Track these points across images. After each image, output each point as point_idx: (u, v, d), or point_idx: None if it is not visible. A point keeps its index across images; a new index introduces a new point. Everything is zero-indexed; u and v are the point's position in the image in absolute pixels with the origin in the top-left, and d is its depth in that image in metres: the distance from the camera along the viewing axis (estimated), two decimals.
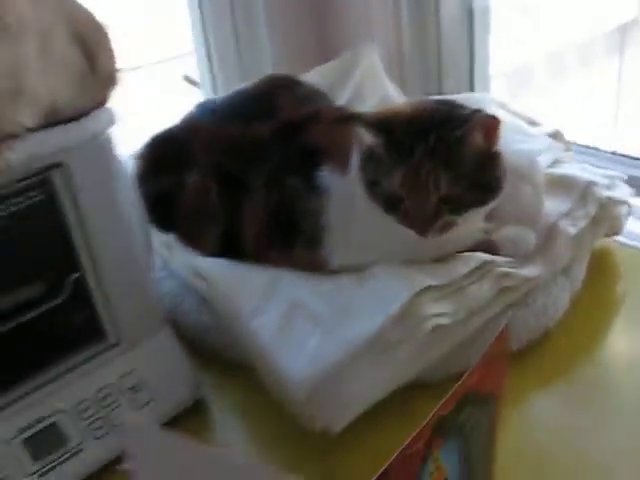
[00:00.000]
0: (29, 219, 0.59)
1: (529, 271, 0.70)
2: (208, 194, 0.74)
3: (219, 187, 0.74)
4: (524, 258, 0.71)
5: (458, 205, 0.66)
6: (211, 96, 1.13)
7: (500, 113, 0.80)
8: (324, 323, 0.64)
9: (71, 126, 0.57)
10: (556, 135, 0.88)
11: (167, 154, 0.71)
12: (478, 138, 0.65)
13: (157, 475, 0.50)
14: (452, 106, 0.69)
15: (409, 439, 0.42)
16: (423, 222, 0.65)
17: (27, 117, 0.54)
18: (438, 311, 0.65)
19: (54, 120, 0.56)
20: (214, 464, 0.48)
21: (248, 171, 0.73)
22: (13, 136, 0.54)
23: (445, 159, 0.64)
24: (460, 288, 0.67)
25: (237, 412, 0.72)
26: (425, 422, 0.43)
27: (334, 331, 0.63)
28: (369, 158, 0.67)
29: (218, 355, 0.75)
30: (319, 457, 0.64)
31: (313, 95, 0.81)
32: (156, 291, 0.71)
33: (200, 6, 1.10)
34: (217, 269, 0.72)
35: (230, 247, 0.74)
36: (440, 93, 1.10)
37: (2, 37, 0.50)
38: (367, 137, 0.67)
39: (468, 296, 0.67)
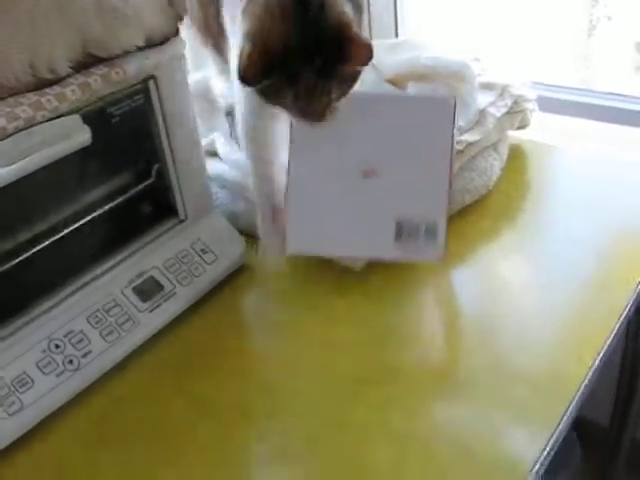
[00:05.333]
0: (132, 119, 0.80)
1: (471, 137, 0.98)
2: None
3: None
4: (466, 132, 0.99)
5: (344, 93, 0.72)
6: None
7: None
8: None
9: (161, 48, 0.79)
10: (477, 59, 1.16)
11: None
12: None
13: None
14: (308, 17, 0.68)
15: None
16: (320, 117, 0.72)
17: (137, 39, 0.76)
18: None
19: (151, 43, 0.78)
20: None
21: None
22: (128, 53, 0.76)
23: (335, 73, 0.69)
24: None
25: (272, 272, 0.94)
26: None
27: None
28: (265, 93, 0.72)
29: (249, 233, 0.97)
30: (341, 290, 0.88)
31: None
32: (209, 180, 0.93)
33: None
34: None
35: None
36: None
37: None
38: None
39: None
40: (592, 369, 0.73)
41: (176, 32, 0.81)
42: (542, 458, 0.64)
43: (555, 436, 0.66)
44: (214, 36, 0.93)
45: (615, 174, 1.07)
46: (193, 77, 1.20)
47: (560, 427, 0.67)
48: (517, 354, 0.76)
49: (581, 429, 1.53)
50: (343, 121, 0.71)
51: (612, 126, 1.31)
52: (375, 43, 1.04)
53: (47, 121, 0.69)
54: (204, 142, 0.97)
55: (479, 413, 0.70)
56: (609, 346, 0.76)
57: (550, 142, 1.18)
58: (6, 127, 0.65)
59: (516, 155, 1.13)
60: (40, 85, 0.69)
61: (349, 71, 0.71)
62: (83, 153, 0.74)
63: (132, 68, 0.75)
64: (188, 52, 0.84)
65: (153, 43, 0.78)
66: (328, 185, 0.78)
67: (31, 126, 0.68)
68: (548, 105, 1.20)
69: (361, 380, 0.74)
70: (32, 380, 0.73)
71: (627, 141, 1.28)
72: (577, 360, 0.74)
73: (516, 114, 1.07)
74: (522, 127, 1.11)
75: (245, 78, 0.68)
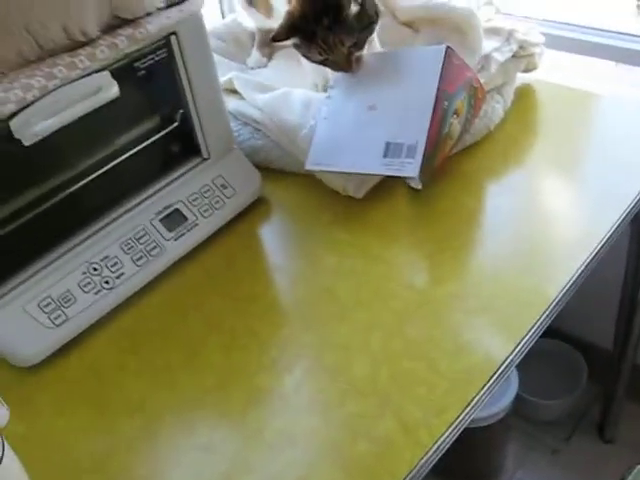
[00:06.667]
0: (156, 71, 0.90)
1: None
2: None
3: None
4: None
5: (359, 44, 0.96)
6: None
7: None
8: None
9: (181, 6, 0.88)
10: (489, 2, 1.21)
11: None
12: (351, 5, 0.92)
13: None
14: None
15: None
16: (345, 65, 0.97)
17: (158, 1, 0.85)
18: None
19: (170, 3, 0.87)
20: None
21: None
22: (150, 14, 0.85)
23: (339, 28, 0.92)
24: None
25: (286, 204, 1.05)
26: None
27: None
28: (299, 48, 0.97)
29: (268, 167, 1.08)
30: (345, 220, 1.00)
31: None
32: (229, 122, 1.04)
33: None
34: (268, 101, 1.06)
35: None
36: None
37: None
38: (292, 41, 0.96)
39: None
40: (568, 284, 0.85)
41: None
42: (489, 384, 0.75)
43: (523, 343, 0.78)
44: None
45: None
46: (224, 21, 1.30)
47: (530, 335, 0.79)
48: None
49: (589, 355, 1.64)
50: (362, 71, 0.99)
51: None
52: None
53: (81, 78, 0.80)
54: (222, 81, 1.08)
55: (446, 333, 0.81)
56: (585, 268, 0.87)
57: (564, 83, 1.23)
58: (47, 85, 0.77)
59: (527, 96, 1.19)
60: (73, 46, 0.80)
61: (348, 21, 0.93)
62: (115, 103, 0.84)
63: (154, 27, 0.85)
64: None
65: (173, 3, 0.87)
66: (343, 118, 0.98)
67: (67, 83, 0.79)
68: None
69: (352, 304, 0.86)
70: (74, 297, 0.87)
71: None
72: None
73: (522, 58, 1.13)
74: (530, 70, 1.17)
75: (274, 39, 0.96)
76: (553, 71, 1.23)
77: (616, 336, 1.45)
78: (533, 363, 1.43)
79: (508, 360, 0.77)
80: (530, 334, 0.80)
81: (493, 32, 1.12)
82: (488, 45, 1.09)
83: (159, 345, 0.85)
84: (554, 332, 1.51)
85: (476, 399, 0.74)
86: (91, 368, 0.84)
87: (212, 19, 1.38)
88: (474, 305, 0.84)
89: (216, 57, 1.00)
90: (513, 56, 1.11)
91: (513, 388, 1.42)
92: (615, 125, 1.12)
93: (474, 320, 0.82)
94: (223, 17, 1.43)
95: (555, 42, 1.25)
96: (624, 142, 1.07)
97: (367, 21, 0.96)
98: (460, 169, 1.04)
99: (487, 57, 1.08)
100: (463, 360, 0.77)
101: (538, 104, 1.19)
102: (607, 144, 1.08)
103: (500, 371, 0.76)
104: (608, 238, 0.91)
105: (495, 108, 1.09)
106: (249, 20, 1.21)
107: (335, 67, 0.99)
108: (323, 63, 0.98)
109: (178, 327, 0.87)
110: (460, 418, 0.71)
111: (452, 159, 1.03)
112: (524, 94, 1.19)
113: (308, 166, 0.97)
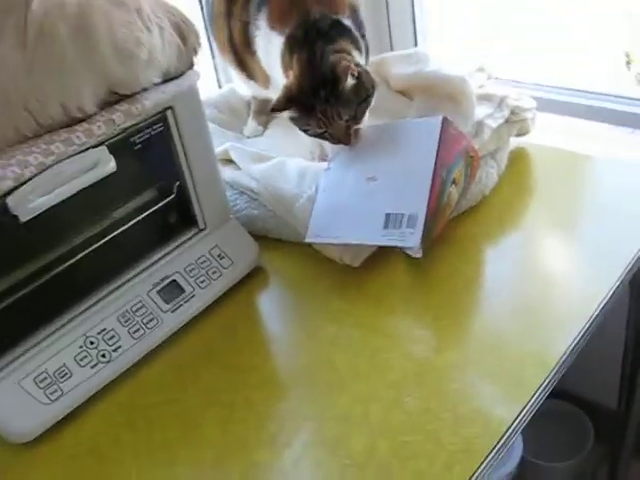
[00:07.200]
0: (153, 145, 0.91)
1: None
2: None
3: None
4: None
5: (357, 117, 0.98)
6: None
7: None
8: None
9: (177, 82, 0.89)
10: (481, 68, 1.24)
11: None
12: (348, 79, 0.94)
13: None
14: (315, 65, 0.96)
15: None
16: (343, 138, 0.99)
17: (154, 77, 0.86)
18: None
19: (168, 78, 0.89)
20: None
21: None
22: (147, 89, 0.87)
23: (336, 100, 0.95)
24: None
25: (283, 273, 1.05)
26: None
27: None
28: (296, 121, 0.99)
29: (264, 237, 1.08)
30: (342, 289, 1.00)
31: None
32: (225, 193, 1.05)
33: None
34: (263, 171, 1.07)
35: None
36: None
37: (145, 32, 0.83)
38: (288, 113, 0.99)
39: None
40: (569, 349, 0.84)
41: (191, 65, 0.92)
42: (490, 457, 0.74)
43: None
44: (237, 51, 1.12)
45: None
46: (221, 91, 1.32)
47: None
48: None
49: (594, 415, 1.61)
50: (361, 143, 1.00)
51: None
52: (387, 55, 1.17)
53: (78, 154, 0.81)
54: (218, 151, 1.09)
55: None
56: (585, 331, 0.86)
57: (558, 145, 1.24)
58: (44, 162, 0.77)
59: (521, 160, 1.20)
60: (71, 122, 0.80)
61: (345, 94, 0.95)
62: (112, 177, 0.85)
63: (151, 102, 0.86)
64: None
65: (170, 78, 0.89)
66: (342, 190, 0.98)
67: (64, 159, 0.79)
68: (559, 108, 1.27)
69: (351, 375, 0.85)
70: (71, 371, 0.86)
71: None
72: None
73: (515, 123, 1.15)
74: (522, 135, 1.19)
75: (273, 110, 0.99)
76: (546, 133, 1.25)
77: (620, 394, 1.43)
78: (538, 425, 1.40)
79: (511, 429, 0.76)
80: (532, 401, 0.79)
81: (485, 98, 1.13)
82: (480, 111, 1.11)
83: (157, 419, 0.84)
84: (557, 392, 1.49)
85: (479, 471, 0.72)
86: (87, 444, 0.83)
87: (209, 89, 1.40)
88: (474, 373, 0.83)
89: (212, 126, 1.01)
90: (506, 121, 1.13)
91: (517, 452, 1.39)
92: (609, 187, 1.13)
93: (474, 389, 0.81)
94: (220, 86, 1.46)
95: (547, 105, 1.26)
96: (619, 203, 1.07)
97: (364, 94, 0.98)
98: (456, 235, 1.04)
99: (480, 123, 1.09)
100: (464, 431, 0.76)
101: (532, 167, 1.20)
102: (602, 205, 1.08)
103: (503, 440, 0.75)
104: (608, 299, 0.90)
105: (489, 173, 1.10)
106: (245, 89, 1.24)
107: (334, 140, 1.00)
108: (322, 136, 1.00)
109: (176, 400, 0.86)
110: None
111: (448, 225, 1.04)
112: (518, 157, 1.20)
113: (308, 239, 0.97)
